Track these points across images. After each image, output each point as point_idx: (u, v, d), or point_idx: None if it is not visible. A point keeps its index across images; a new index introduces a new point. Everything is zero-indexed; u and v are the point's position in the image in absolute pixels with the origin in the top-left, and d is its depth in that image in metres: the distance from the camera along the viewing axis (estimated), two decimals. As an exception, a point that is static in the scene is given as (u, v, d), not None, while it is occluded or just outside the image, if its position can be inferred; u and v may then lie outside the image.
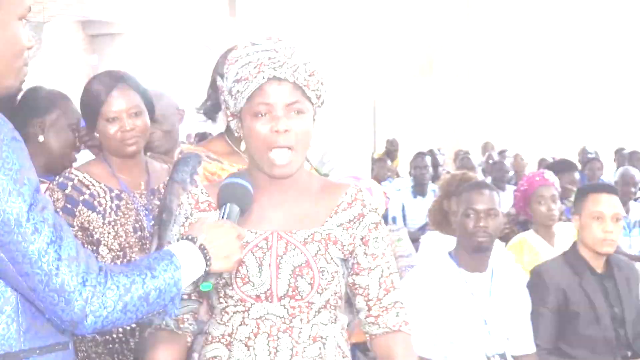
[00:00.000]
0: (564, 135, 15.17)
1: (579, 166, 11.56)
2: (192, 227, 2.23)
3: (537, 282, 4.30)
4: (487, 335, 3.97)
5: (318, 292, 2.41)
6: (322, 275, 2.40)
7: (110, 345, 3.18)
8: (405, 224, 8.51)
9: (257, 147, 2.39)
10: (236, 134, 2.49)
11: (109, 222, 3.12)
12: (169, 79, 22.56)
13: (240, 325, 2.41)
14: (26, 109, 3.70)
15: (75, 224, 3.10)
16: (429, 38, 17.49)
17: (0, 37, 2.04)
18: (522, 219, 5.79)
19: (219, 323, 2.45)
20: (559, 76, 15.59)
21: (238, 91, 2.39)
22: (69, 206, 3.10)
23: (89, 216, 3.11)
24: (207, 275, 2.18)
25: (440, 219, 5.18)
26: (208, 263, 2.16)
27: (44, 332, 2.03)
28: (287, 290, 2.39)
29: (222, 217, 2.28)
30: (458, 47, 17.33)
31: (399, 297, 2.53)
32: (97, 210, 3.12)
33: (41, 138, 3.58)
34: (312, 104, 2.43)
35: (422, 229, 7.88)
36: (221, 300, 2.44)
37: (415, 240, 5.93)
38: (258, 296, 2.39)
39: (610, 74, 14.90)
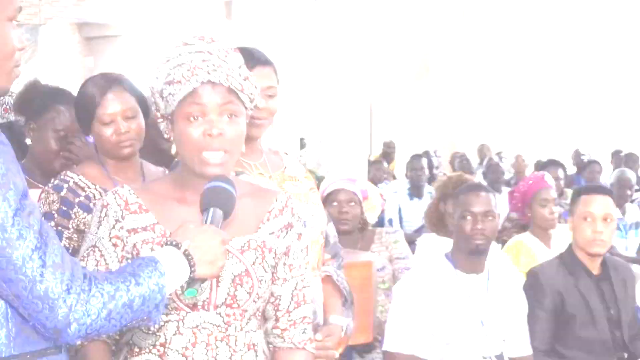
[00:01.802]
0: (560, 137, 15.17)
1: (575, 169, 11.59)
2: (176, 232, 2.19)
3: (534, 283, 4.30)
4: (483, 337, 3.98)
5: (254, 301, 2.39)
6: (261, 284, 2.38)
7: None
8: (401, 226, 8.51)
9: (189, 149, 2.34)
10: (165, 136, 2.45)
11: (105, 225, 3.10)
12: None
13: (174, 334, 2.36)
14: (21, 108, 3.67)
15: (71, 226, 3.09)
16: (425, 41, 17.49)
17: None
18: (523, 223, 5.77)
19: (145, 333, 2.38)
20: (554, 78, 15.60)
21: (170, 94, 2.34)
22: (64, 208, 3.09)
23: (85, 218, 3.10)
24: (191, 281, 2.16)
25: (437, 221, 5.18)
26: (192, 269, 2.14)
27: (34, 337, 2.00)
28: (226, 299, 2.36)
29: (206, 222, 2.24)
30: (454, 50, 17.33)
31: (308, 312, 2.52)
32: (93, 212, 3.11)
33: (28, 141, 3.56)
34: (245, 107, 2.40)
35: (419, 231, 7.88)
36: None
37: (411, 242, 5.93)
38: (195, 305, 2.35)
39: (606, 76, 14.92)
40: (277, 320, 2.49)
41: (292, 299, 2.49)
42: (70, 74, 27.49)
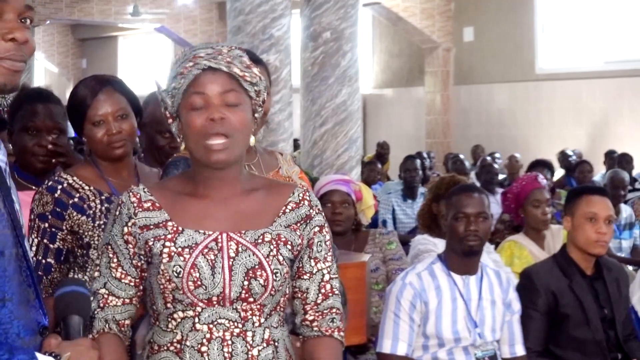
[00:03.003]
0: (553, 138, 15.18)
1: (563, 171, 11.61)
2: (50, 344, 2.09)
3: (527, 284, 4.31)
4: (477, 337, 3.98)
5: (271, 294, 2.38)
6: (276, 276, 2.37)
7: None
8: (395, 227, 8.51)
9: (193, 137, 2.37)
10: (178, 139, 2.49)
11: (99, 226, 3.10)
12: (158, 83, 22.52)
13: (190, 331, 2.36)
14: (9, 114, 3.69)
15: (64, 227, 3.08)
16: (419, 41, 17.50)
17: None
18: (516, 225, 5.78)
19: (164, 330, 2.40)
20: (547, 79, 15.60)
21: (174, 87, 2.39)
22: (58, 210, 3.08)
23: (79, 219, 3.09)
24: None
25: (430, 222, 5.19)
26: None
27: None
28: (241, 293, 2.35)
29: (68, 333, 2.15)
30: (448, 50, 17.34)
31: (337, 302, 2.52)
32: (87, 213, 3.11)
33: (10, 147, 3.56)
34: (250, 98, 2.42)
35: (412, 232, 7.89)
36: (168, 305, 2.38)
37: (405, 243, 5.93)
38: (210, 300, 2.35)
39: (599, 76, 14.94)
40: (305, 312, 2.50)
41: (319, 292, 2.49)
42: (64, 75, 27.48)
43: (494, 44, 16.50)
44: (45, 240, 3.07)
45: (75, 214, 3.10)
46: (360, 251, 5.07)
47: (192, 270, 2.34)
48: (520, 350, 4.12)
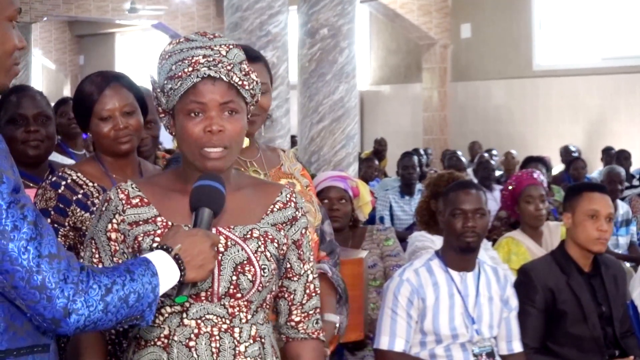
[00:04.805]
0: (550, 134, 15.19)
1: (562, 166, 11.61)
2: (167, 235, 2.22)
3: (525, 281, 4.31)
4: (474, 334, 3.99)
5: (258, 290, 2.40)
6: (264, 272, 2.40)
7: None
8: (392, 224, 8.52)
9: (189, 145, 2.37)
10: (167, 131, 2.48)
11: (102, 223, 3.10)
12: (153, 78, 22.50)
13: (178, 326, 2.38)
14: None
15: (67, 223, 3.08)
16: (417, 37, 17.50)
17: None
18: (513, 221, 5.79)
19: (151, 325, 2.40)
20: (544, 76, 15.60)
21: (171, 88, 2.37)
22: (61, 206, 3.08)
23: (82, 216, 3.09)
24: (181, 285, 2.18)
25: (428, 218, 5.19)
26: (182, 273, 2.15)
27: (22, 334, 2.03)
28: (229, 289, 2.37)
29: (195, 223, 2.26)
30: (445, 46, 17.34)
31: (318, 302, 2.57)
32: (90, 210, 3.10)
33: None
34: (247, 103, 2.42)
35: (410, 228, 7.90)
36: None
37: (402, 239, 5.94)
38: (198, 295, 2.36)
39: (595, 75, 14.94)
40: (290, 313, 2.54)
41: (304, 292, 2.53)
42: (61, 72, 27.45)
43: (491, 41, 16.50)
44: (46, 236, 3.07)
45: (78, 210, 3.09)
46: (358, 248, 5.08)
47: None
48: (518, 347, 4.13)
